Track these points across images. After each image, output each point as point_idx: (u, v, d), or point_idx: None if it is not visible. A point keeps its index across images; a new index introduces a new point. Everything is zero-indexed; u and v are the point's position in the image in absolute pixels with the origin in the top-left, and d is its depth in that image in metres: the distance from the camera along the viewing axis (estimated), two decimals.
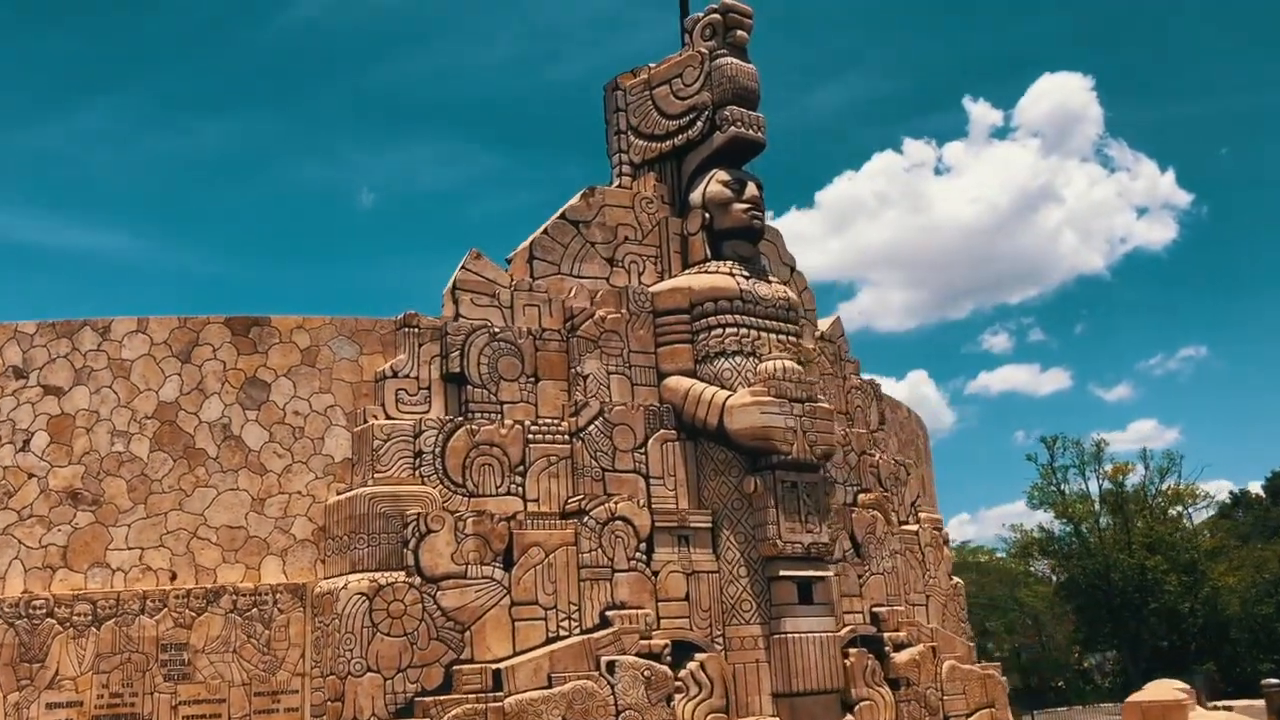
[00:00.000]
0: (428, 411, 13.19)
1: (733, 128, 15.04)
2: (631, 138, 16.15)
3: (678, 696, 12.74)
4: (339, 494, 12.85)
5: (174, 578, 12.59)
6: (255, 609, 12.47)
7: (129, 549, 12.60)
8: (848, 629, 14.68)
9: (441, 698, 11.58)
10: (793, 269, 17.18)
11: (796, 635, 13.36)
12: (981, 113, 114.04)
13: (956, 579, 17.19)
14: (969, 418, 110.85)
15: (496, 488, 13.01)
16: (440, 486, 12.71)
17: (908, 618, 15.44)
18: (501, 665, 11.97)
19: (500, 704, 11.75)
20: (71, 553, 12.53)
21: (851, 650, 14.44)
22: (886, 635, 14.91)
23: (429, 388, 13.35)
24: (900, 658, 14.83)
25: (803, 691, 13.22)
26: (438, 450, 12.82)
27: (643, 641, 12.75)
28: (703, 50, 15.52)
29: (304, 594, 12.61)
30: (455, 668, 11.90)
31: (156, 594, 12.33)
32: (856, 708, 14.09)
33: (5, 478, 12.67)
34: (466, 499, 12.79)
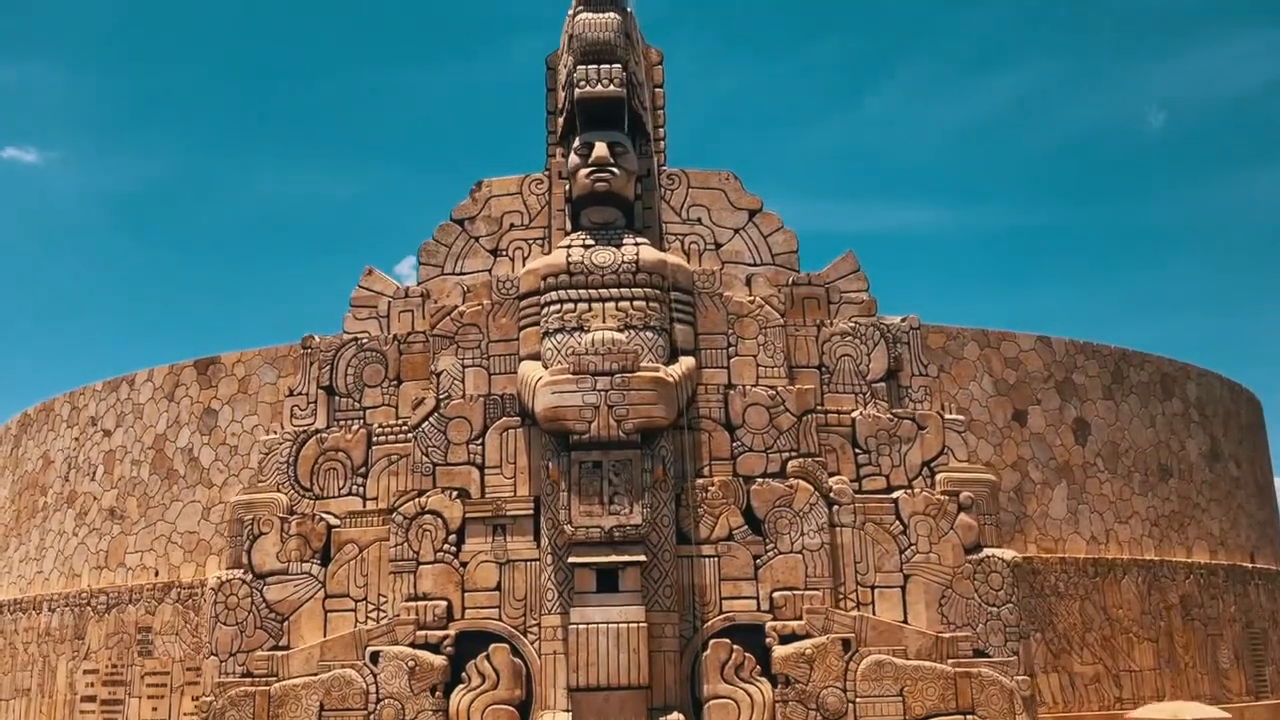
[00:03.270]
0: (313, 423, 14.82)
1: (576, 89, 14.27)
2: (557, 118, 15.94)
3: (459, 688, 12.83)
4: None
5: (156, 574, 15.91)
6: (191, 599, 15.27)
7: (135, 552, 16.21)
8: (722, 617, 13.12)
9: (226, 680, 13.30)
10: (753, 212, 15.37)
11: (585, 626, 12.50)
12: None
13: (992, 551, 13.78)
14: None
15: (340, 489, 14.20)
16: (291, 492, 14.30)
17: (821, 604, 13.13)
18: (277, 654, 13.29)
19: (269, 689, 13.10)
20: (109, 556, 16.49)
21: (711, 643, 12.93)
22: (769, 625, 12.98)
23: (315, 401, 14.96)
24: (781, 651, 12.81)
25: (590, 686, 12.37)
26: (291, 459, 14.42)
27: (419, 632, 13.04)
28: (570, 12, 14.88)
29: None
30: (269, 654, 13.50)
31: (137, 588, 15.74)
32: (705, 707, 12.65)
33: (84, 501, 17.08)
34: (313, 502, 14.21)
